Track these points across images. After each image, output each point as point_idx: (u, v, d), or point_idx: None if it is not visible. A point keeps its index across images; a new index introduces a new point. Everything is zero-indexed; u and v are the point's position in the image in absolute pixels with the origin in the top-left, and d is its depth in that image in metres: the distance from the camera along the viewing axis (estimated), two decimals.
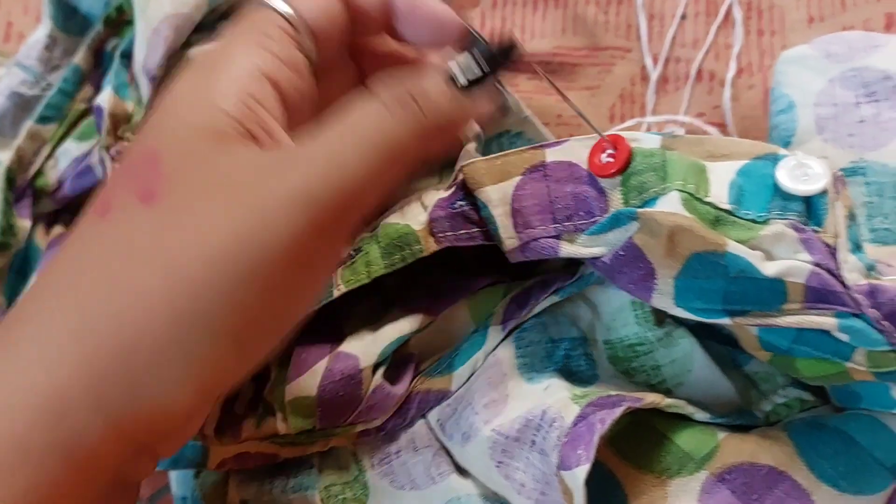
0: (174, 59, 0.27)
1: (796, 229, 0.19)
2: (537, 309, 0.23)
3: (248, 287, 0.16)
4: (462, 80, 0.19)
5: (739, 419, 0.22)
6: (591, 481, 0.19)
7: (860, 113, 0.23)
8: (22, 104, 0.30)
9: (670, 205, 0.20)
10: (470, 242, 0.22)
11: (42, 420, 0.16)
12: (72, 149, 0.29)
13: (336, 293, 0.22)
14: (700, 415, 0.22)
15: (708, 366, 0.23)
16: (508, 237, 0.21)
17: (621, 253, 0.20)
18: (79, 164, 0.29)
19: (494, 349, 0.23)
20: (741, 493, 0.21)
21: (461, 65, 0.19)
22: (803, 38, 0.27)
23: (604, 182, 0.21)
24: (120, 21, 0.30)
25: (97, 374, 0.16)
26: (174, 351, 0.16)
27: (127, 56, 0.28)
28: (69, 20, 0.30)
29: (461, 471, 0.23)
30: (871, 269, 0.20)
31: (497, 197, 0.22)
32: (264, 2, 0.19)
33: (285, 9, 0.19)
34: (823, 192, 0.19)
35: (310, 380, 0.22)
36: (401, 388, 0.22)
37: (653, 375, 0.23)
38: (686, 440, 0.21)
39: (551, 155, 0.22)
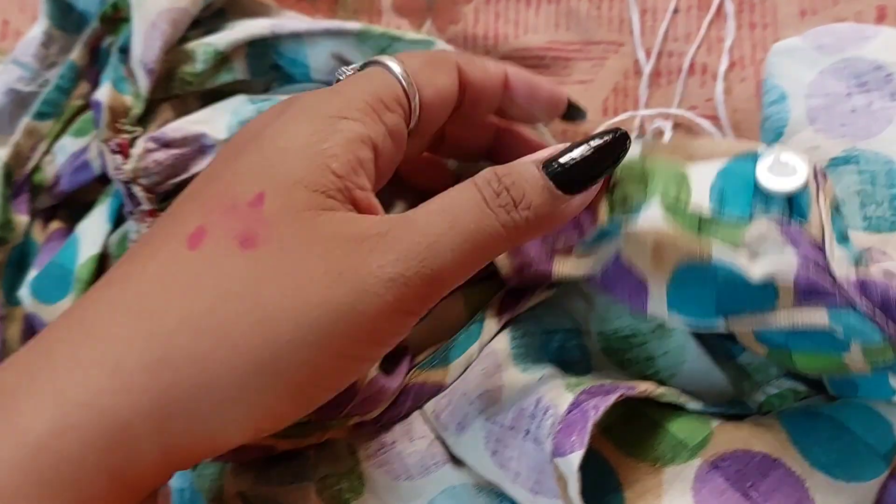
0: (171, 53, 0.27)
1: (780, 224, 0.19)
2: (533, 301, 0.23)
3: (326, 353, 0.17)
4: (564, 172, 0.18)
5: (733, 409, 0.22)
6: (586, 469, 0.19)
7: (852, 103, 0.22)
8: (19, 101, 0.30)
9: (653, 215, 0.19)
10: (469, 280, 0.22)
11: (101, 444, 0.16)
12: (68, 144, 0.29)
13: None
14: (693, 404, 0.21)
15: (701, 357, 0.22)
16: (502, 263, 0.21)
17: (612, 269, 0.20)
18: (75, 160, 0.29)
19: (490, 341, 0.23)
20: (735, 480, 0.20)
21: (566, 156, 0.18)
22: (795, 32, 0.27)
23: None
24: (116, 18, 0.29)
25: (165, 407, 0.16)
26: (244, 397, 0.16)
27: (125, 50, 0.27)
28: (65, 17, 0.30)
29: (456, 461, 0.23)
30: (859, 260, 0.20)
31: None
32: (391, 69, 0.20)
33: (407, 83, 0.20)
34: (804, 187, 0.19)
35: None
36: (396, 381, 0.22)
37: (646, 367, 0.23)
38: (680, 428, 0.21)
39: None
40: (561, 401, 0.20)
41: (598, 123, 0.30)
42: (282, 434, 0.23)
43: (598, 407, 0.19)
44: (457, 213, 0.17)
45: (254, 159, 0.18)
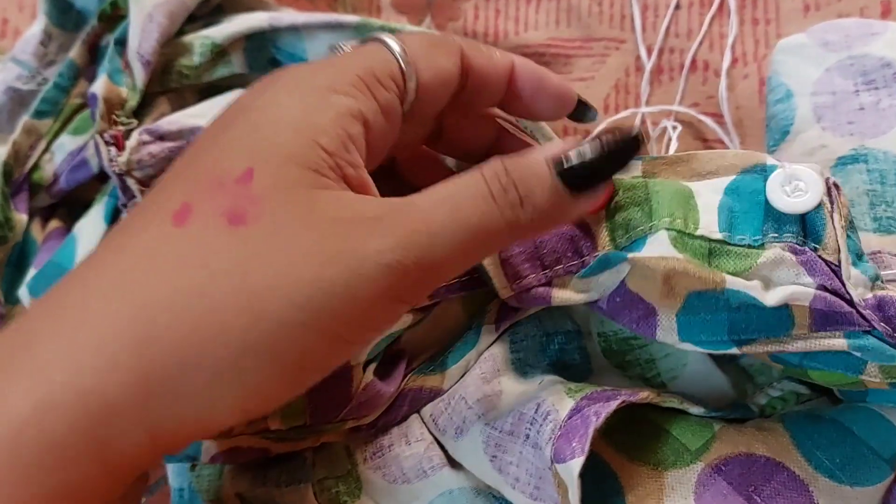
0: (168, 45, 0.26)
1: (794, 251, 0.18)
2: (532, 310, 0.22)
3: (316, 333, 0.16)
4: (574, 171, 0.17)
5: (734, 413, 0.21)
6: (587, 474, 0.18)
7: (859, 101, 0.21)
8: (18, 99, 0.29)
9: (660, 245, 0.18)
10: (467, 289, 0.21)
11: (84, 424, 0.15)
12: (67, 143, 0.28)
13: None
14: (695, 409, 0.21)
15: (702, 359, 0.22)
16: (503, 287, 0.20)
17: (617, 298, 0.19)
18: (74, 158, 0.28)
19: (487, 349, 0.22)
20: (737, 484, 0.20)
21: (577, 154, 0.17)
22: (799, 27, 0.26)
23: (588, 218, 0.20)
24: (114, 16, 0.29)
25: (150, 387, 0.15)
26: (232, 377, 0.16)
27: (121, 42, 0.27)
28: (64, 16, 0.29)
29: (454, 464, 0.22)
30: (875, 279, 0.19)
31: None
32: (389, 45, 0.19)
33: (404, 61, 0.18)
34: (818, 206, 0.18)
35: None
36: (392, 386, 0.21)
37: (647, 369, 0.22)
38: (682, 432, 0.21)
39: None
40: (561, 406, 0.20)
41: (600, 121, 0.29)
42: (277, 437, 0.22)
43: (600, 413, 0.19)
44: (461, 203, 0.17)
45: (241, 133, 0.17)
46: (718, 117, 0.28)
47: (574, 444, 0.19)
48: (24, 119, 0.28)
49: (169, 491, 0.25)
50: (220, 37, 0.26)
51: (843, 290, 0.18)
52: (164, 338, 0.15)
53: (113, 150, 0.25)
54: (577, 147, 0.17)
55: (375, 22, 0.27)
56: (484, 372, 0.22)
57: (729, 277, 0.18)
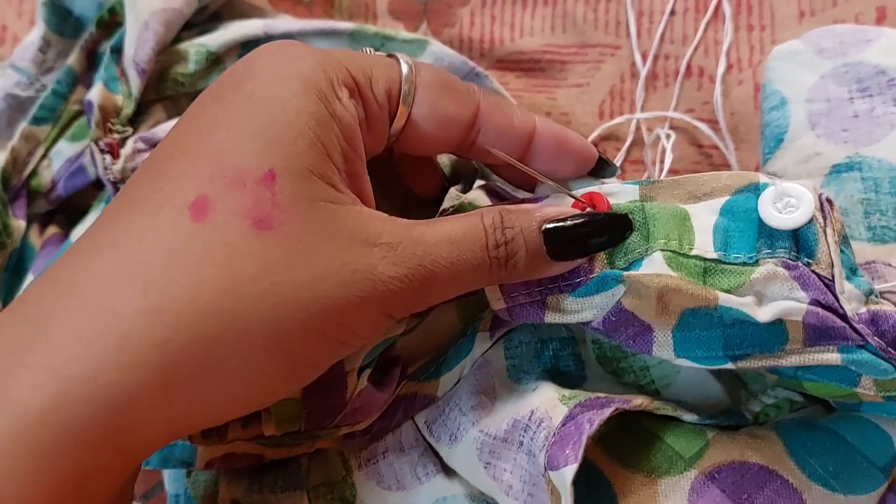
0: (164, 53, 0.26)
1: (787, 267, 0.18)
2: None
3: (327, 339, 0.17)
4: (561, 241, 0.18)
5: (728, 420, 0.21)
6: (580, 481, 0.18)
7: (854, 108, 0.21)
8: (16, 105, 0.29)
9: (654, 265, 0.18)
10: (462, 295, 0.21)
11: (104, 416, 0.15)
12: (65, 149, 0.28)
13: None
14: (689, 416, 0.20)
15: (696, 366, 0.21)
16: (496, 299, 0.20)
17: (612, 318, 0.19)
18: (71, 165, 0.28)
19: (482, 356, 0.22)
20: (731, 492, 0.19)
21: (572, 229, 0.18)
22: (794, 34, 0.26)
23: None
24: (112, 23, 0.29)
25: (172, 383, 0.15)
26: (251, 376, 0.16)
27: (117, 50, 0.26)
28: (63, 22, 0.29)
29: (448, 471, 0.22)
30: (869, 293, 0.18)
31: None
32: (400, 66, 0.19)
33: (405, 90, 0.19)
34: (810, 222, 0.18)
35: None
36: (386, 392, 0.21)
37: (641, 376, 0.22)
38: (675, 439, 0.20)
39: None
40: (555, 413, 0.19)
41: (594, 127, 0.29)
42: (272, 443, 0.22)
43: (593, 420, 0.18)
44: (462, 249, 0.18)
45: (250, 120, 0.17)
46: (713, 123, 0.28)
47: (567, 452, 0.18)
48: (23, 125, 0.28)
49: (165, 497, 0.25)
50: (215, 44, 0.26)
51: (836, 304, 0.18)
52: (188, 337, 0.15)
53: (108, 158, 0.24)
54: (572, 217, 0.19)
55: (370, 28, 0.27)
56: (478, 379, 0.22)
57: (722, 294, 0.18)
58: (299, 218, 0.16)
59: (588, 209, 0.19)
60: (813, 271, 0.18)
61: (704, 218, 0.19)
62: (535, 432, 0.20)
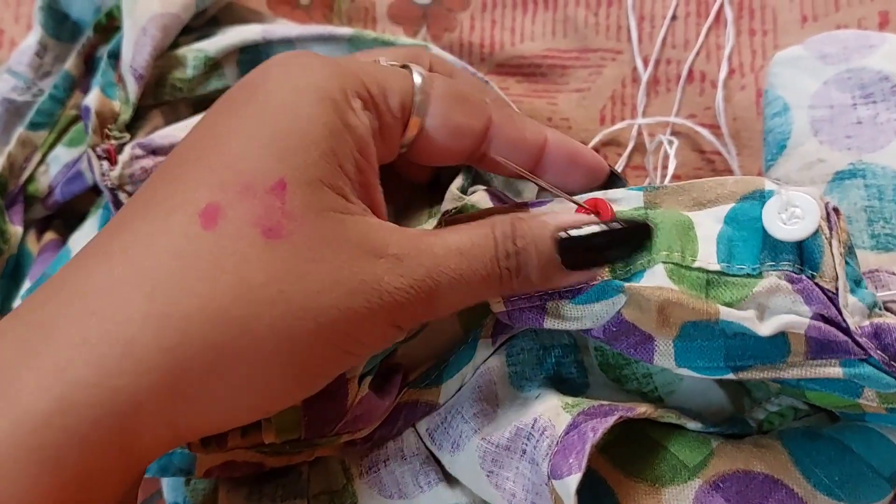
0: (162, 58, 0.26)
1: (791, 280, 0.18)
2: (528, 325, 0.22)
3: (336, 349, 0.17)
4: (576, 250, 0.18)
5: (732, 427, 0.21)
6: (583, 490, 0.18)
7: (857, 114, 0.21)
8: (13, 110, 0.29)
9: (656, 278, 0.18)
10: None
11: (110, 421, 0.15)
12: (62, 155, 0.28)
13: None
14: (693, 424, 0.20)
15: (698, 376, 0.21)
16: (496, 302, 0.20)
17: (613, 327, 0.19)
18: (69, 170, 0.28)
19: (483, 363, 0.22)
20: (735, 501, 0.19)
21: (588, 238, 0.18)
22: (796, 38, 0.26)
23: None
24: (110, 27, 0.28)
25: (179, 389, 0.15)
26: (259, 384, 0.16)
27: (114, 55, 0.26)
28: (60, 27, 0.29)
29: (450, 479, 0.22)
30: (873, 306, 0.18)
31: None
32: (413, 77, 0.19)
33: (419, 100, 0.19)
34: (815, 233, 0.18)
35: None
36: (387, 399, 0.21)
37: (644, 383, 0.22)
38: (679, 448, 0.20)
39: None
40: (558, 421, 0.19)
41: (595, 132, 0.29)
42: (272, 451, 0.22)
43: (597, 429, 0.18)
44: (471, 260, 0.18)
45: (263, 129, 0.17)
46: (715, 128, 0.28)
47: (571, 461, 0.18)
48: (20, 130, 0.28)
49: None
50: (213, 49, 0.26)
51: (839, 318, 0.17)
52: (196, 344, 0.15)
53: (105, 164, 0.24)
54: (588, 224, 0.18)
55: (369, 34, 0.27)
56: (480, 386, 0.22)
57: (723, 308, 0.17)
58: (308, 227, 0.16)
59: (592, 215, 0.19)
60: (817, 284, 0.17)
61: (708, 226, 0.19)
62: (538, 440, 0.19)
